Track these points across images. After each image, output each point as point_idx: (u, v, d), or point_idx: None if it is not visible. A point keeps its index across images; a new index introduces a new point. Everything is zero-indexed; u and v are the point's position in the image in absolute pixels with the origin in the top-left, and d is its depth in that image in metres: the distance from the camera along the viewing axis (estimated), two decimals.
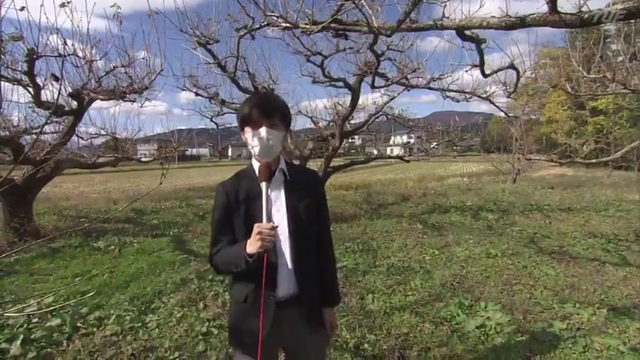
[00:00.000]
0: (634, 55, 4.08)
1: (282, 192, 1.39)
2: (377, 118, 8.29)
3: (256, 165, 1.39)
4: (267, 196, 1.27)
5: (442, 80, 6.01)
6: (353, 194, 11.62)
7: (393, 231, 6.50)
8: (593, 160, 6.03)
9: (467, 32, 2.95)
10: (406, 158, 9.48)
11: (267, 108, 1.34)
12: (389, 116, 8.66)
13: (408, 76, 6.03)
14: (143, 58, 5.60)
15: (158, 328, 3.05)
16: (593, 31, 4.44)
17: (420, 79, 6.17)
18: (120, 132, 6.80)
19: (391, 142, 38.98)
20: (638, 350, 2.67)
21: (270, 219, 1.26)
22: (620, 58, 4.42)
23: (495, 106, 6.02)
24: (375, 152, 11.74)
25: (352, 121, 8.24)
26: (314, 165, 7.52)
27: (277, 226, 1.26)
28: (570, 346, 2.73)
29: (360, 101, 7.32)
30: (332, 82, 6.86)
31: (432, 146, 9.59)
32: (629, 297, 3.66)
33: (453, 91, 6.14)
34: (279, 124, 1.36)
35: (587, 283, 3.97)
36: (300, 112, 8.32)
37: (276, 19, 2.80)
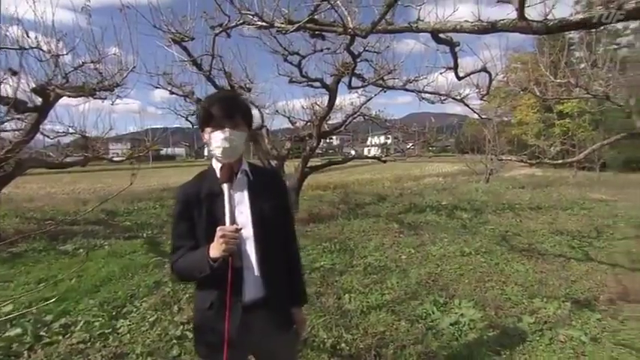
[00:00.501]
0: (595, 63, 4.32)
1: (246, 193, 1.34)
2: (354, 118, 8.37)
3: (217, 166, 1.32)
4: (230, 198, 1.22)
5: (418, 82, 6.13)
6: (330, 194, 11.65)
7: (370, 231, 6.56)
8: (560, 161, 6.30)
9: (441, 35, 3.02)
10: (383, 158, 9.61)
11: (228, 107, 1.28)
12: (366, 117, 8.76)
13: (385, 78, 6.12)
14: (114, 54, 5.40)
15: (130, 333, 2.94)
16: (559, 39, 4.65)
17: (397, 81, 6.27)
18: (90, 130, 6.49)
19: (368, 142, 39.40)
20: (598, 340, 2.83)
21: (233, 221, 1.22)
22: (583, 65, 4.64)
23: (469, 108, 6.18)
24: (353, 152, 11.86)
25: (330, 122, 8.28)
26: (291, 165, 7.50)
27: (241, 229, 1.22)
28: (538, 339, 2.85)
29: (338, 102, 7.39)
30: (309, 82, 6.85)
31: (408, 147, 9.78)
32: (590, 290, 3.87)
33: (428, 92, 6.26)
34: (241, 123, 1.31)
35: (554, 279, 4.16)
36: (277, 111, 8.29)
37: (251, 17, 2.77)
